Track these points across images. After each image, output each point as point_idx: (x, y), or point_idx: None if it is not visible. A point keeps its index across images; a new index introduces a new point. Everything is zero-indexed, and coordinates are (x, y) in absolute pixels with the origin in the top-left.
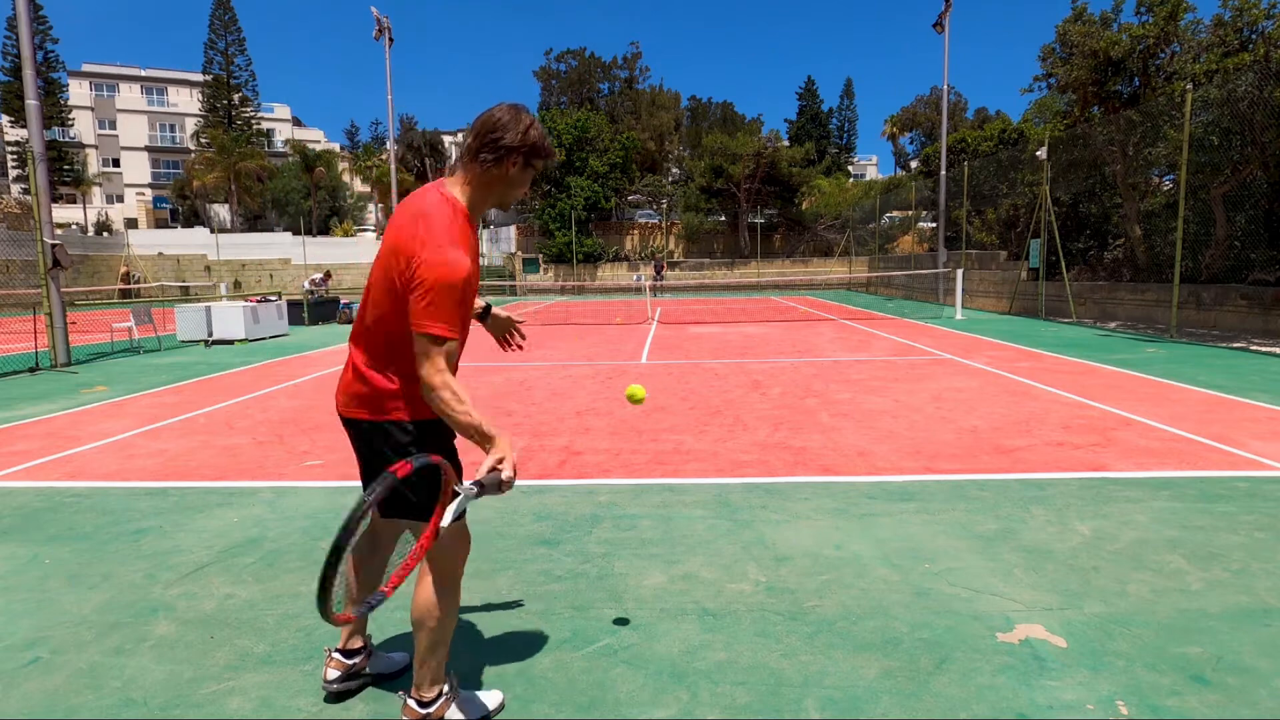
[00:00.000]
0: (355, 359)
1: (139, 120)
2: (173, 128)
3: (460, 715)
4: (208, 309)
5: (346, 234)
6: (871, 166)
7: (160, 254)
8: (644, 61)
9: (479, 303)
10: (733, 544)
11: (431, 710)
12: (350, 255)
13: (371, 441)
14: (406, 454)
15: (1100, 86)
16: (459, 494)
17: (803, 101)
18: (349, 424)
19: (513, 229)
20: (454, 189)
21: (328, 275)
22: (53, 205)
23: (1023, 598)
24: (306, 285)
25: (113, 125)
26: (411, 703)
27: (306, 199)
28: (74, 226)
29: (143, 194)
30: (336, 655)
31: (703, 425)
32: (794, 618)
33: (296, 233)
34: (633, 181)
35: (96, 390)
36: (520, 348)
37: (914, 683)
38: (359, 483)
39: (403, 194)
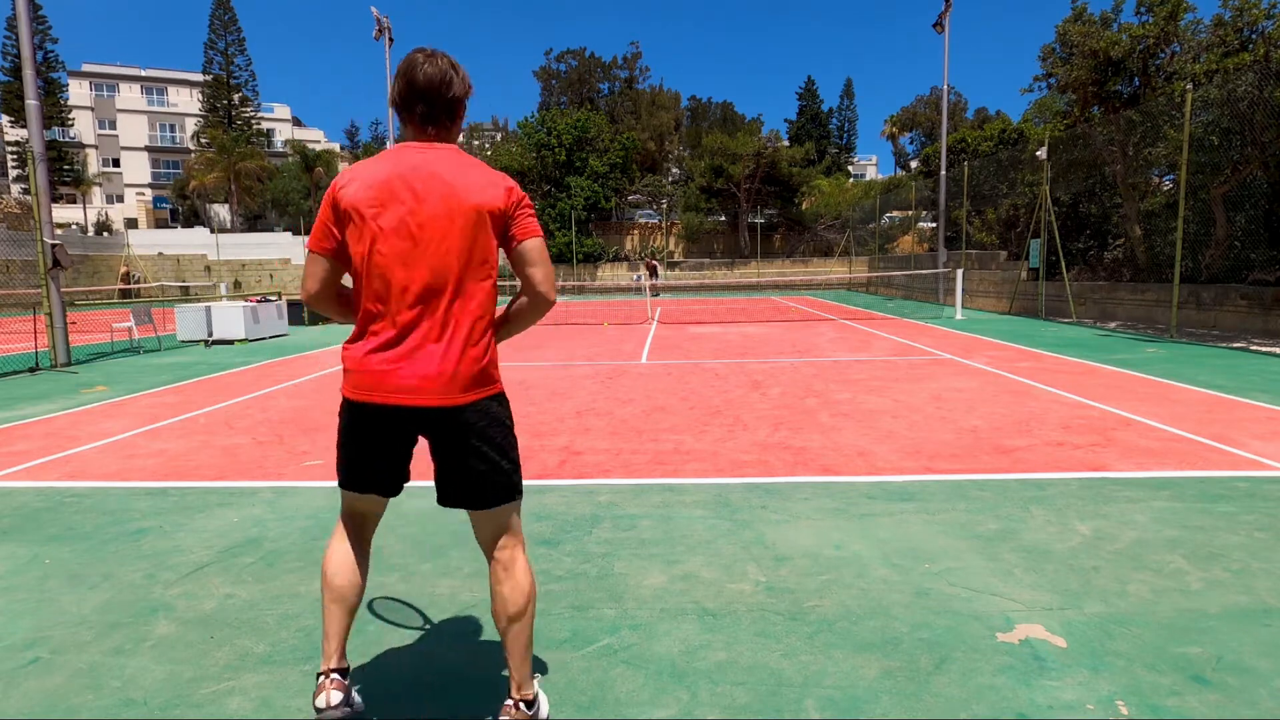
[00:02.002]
0: (444, 333)
1: (139, 120)
2: (173, 128)
3: (547, 713)
4: (208, 309)
5: None
6: (871, 166)
7: (160, 254)
8: (644, 61)
9: None
10: (733, 544)
11: (536, 711)
12: None
13: (468, 426)
14: (509, 432)
15: (1100, 86)
16: None
17: (803, 101)
18: (432, 415)
19: None
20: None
21: None
22: (53, 205)
23: (1023, 598)
24: None
25: (113, 125)
26: (523, 706)
27: (306, 199)
28: (74, 226)
29: (143, 194)
30: (335, 676)
31: (703, 425)
32: (794, 618)
33: (296, 233)
34: (633, 181)
35: (96, 390)
36: None
37: (914, 683)
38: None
39: None
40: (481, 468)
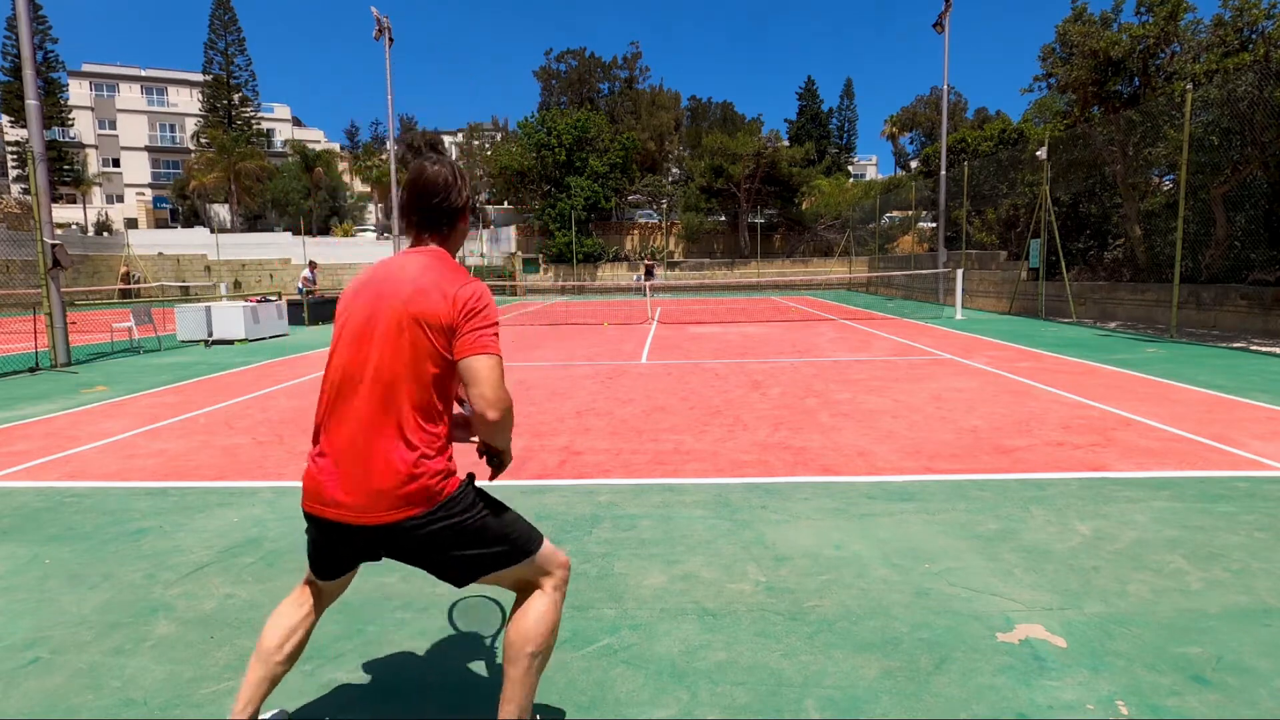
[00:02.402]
0: (373, 447)
1: (139, 120)
2: (173, 128)
3: None
4: (208, 309)
5: (346, 234)
6: (871, 166)
7: (160, 254)
8: (644, 61)
9: None
10: (733, 544)
11: None
12: (350, 255)
13: (410, 545)
14: (474, 529)
15: (1100, 86)
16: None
17: (803, 101)
18: (385, 531)
19: (513, 229)
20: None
21: (313, 265)
22: (53, 205)
23: (1023, 598)
24: (301, 287)
25: (113, 125)
26: None
27: (306, 199)
28: (74, 226)
29: (143, 194)
30: None
31: (703, 425)
32: (794, 618)
33: (296, 233)
34: (633, 181)
35: (96, 390)
36: None
37: (914, 683)
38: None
39: None
40: (453, 565)
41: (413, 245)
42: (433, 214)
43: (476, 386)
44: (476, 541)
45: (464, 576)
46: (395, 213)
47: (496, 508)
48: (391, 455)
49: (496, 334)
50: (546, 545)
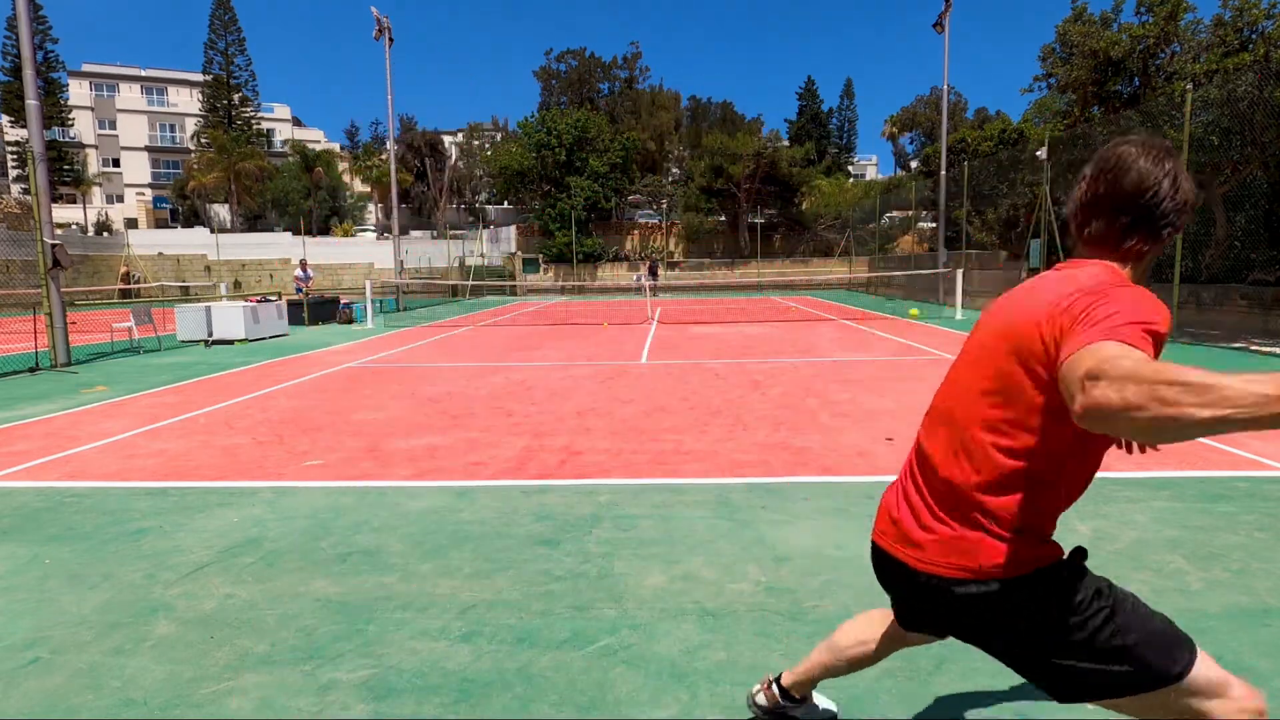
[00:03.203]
0: (916, 477)
1: (139, 120)
2: (173, 128)
3: None
4: (208, 309)
5: (346, 234)
6: (871, 166)
7: (160, 254)
8: (644, 61)
9: None
10: (733, 544)
11: None
12: (350, 255)
13: (978, 611)
14: (1060, 631)
15: (1100, 86)
16: None
17: (803, 101)
18: (935, 588)
19: (513, 229)
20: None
21: (304, 264)
22: (53, 205)
23: None
24: (298, 287)
25: (113, 125)
26: None
27: (306, 199)
28: (74, 226)
29: (143, 194)
30: (775, 688)
31: (703, 425)
32: (794, 618)
33: (296, 233)
34: (633, 181)
35: (96, 390)
36: None
37: (914, 683)
38: (370, 482)
39: (403, 194)
40: (1035, 668)
41: (1082, 254)
42: (1135, 219)
43: (1067, 377)
44: (1070, 647)
45: (1057, 689)
46: (394, 213)
47: (1122, 605)
48: (930, 498)
49: (1134, 326)
50: (1204, 669)
